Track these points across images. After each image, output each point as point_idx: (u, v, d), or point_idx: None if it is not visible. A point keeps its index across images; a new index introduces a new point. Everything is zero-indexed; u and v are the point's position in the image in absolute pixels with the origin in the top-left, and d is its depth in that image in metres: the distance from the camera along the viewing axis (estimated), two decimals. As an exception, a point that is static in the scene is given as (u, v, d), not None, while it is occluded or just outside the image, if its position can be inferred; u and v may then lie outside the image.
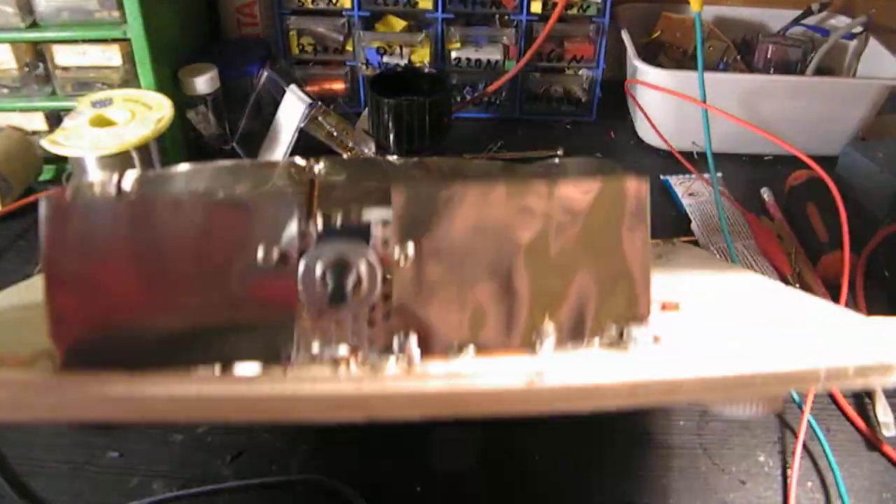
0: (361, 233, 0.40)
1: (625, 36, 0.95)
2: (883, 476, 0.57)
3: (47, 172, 0.86)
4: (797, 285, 0.70)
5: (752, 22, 1.03)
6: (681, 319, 0.45)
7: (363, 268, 0.38)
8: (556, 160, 0.55)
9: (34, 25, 0.78)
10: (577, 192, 0.40)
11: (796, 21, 1.00)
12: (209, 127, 0.89)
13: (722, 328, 0.44)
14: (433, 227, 0.39)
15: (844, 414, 0.62)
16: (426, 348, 0.38)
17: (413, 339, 0.38)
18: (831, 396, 0.63)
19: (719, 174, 0.87)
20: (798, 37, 0.98)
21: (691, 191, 0.83)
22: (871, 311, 0.69)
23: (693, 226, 0.79)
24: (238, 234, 0.38)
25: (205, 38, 0.99)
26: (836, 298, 0.69)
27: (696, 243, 0.76)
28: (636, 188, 0.40)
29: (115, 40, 0.79)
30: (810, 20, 1.00)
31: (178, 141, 0.88)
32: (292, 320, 0.38)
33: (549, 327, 0.39)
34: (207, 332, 0.38)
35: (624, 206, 0.40)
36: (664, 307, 0.46)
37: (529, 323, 0.39)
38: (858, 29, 0.96)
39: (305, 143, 0.86)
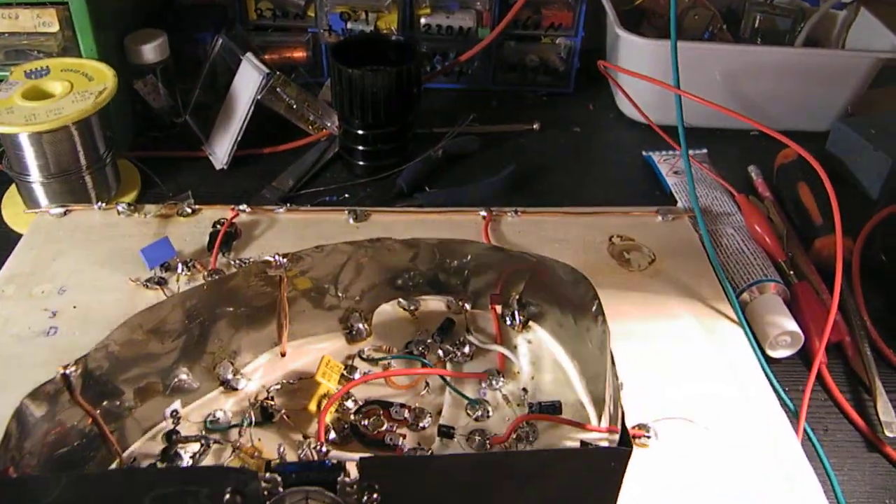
0: (328, 472, 0.38)
1: (606, 2, 0.88)
2: (885, 480, 0.52)
3: (-19, 150, 0.78)
4: (791, 272, 0.65)
5: (738, -11, 0.97)
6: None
7: None
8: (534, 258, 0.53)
9: (-42, -14, 0.70)
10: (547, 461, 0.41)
11: (784, -11, 0.94)
12: (159, 99, 0.81)
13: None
14: (401, 484, 0.39)
15: (843, 412, 0.57)
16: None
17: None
18: (829, 392, 0.58)
19: (704, 150, 0.81)
20: (786, 6, 0.92)
21: (676, 168, 0.77)
22: (867, 298, 0.64)
23: (679, 206, 0.73)
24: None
25: (154, 2, 0.90)
26: (830, 285, 0.64)
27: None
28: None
29: (51, 4, 0.71)
30: (798, -12, 0.94)
31: (126, 114, 0.81)
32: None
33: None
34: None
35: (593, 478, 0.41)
36: (634, 436, 0.48)
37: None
38: (848, -2, 0.90)
39: (264, 117, 0.79)
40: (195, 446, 0.45)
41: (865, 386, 0.59)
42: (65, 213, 0.66)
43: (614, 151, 0.86)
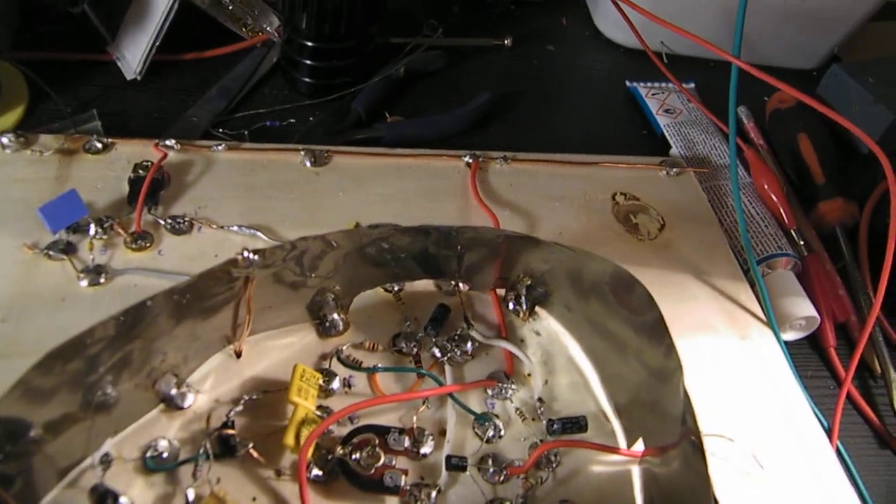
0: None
1: None
2: (902, 481, 0.47)
3: None
4: (801, 242, 0.56)
5: None
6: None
7: None
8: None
9: None
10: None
11: None
12: (47, -20, 0.61)
13: None
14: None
15: (854, 404, 0.50)
16: None
17: None
18: (838, 380, 0.51)
19: (692, 84, 0.70)
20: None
21: (667, 105, 0.66)
22: (874, 273, 0.57)
23: (673, 152, 0.62)
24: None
25: None
26: (834, 254, 0.57)
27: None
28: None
29: None
30: None
31: (8, 7, 0.61)
32: None
33: None
34: None
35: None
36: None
37: None
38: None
39: (187, 14, 0.61)
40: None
41: (871, 372, 0.53)
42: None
43: (593, 78, 0.73)
